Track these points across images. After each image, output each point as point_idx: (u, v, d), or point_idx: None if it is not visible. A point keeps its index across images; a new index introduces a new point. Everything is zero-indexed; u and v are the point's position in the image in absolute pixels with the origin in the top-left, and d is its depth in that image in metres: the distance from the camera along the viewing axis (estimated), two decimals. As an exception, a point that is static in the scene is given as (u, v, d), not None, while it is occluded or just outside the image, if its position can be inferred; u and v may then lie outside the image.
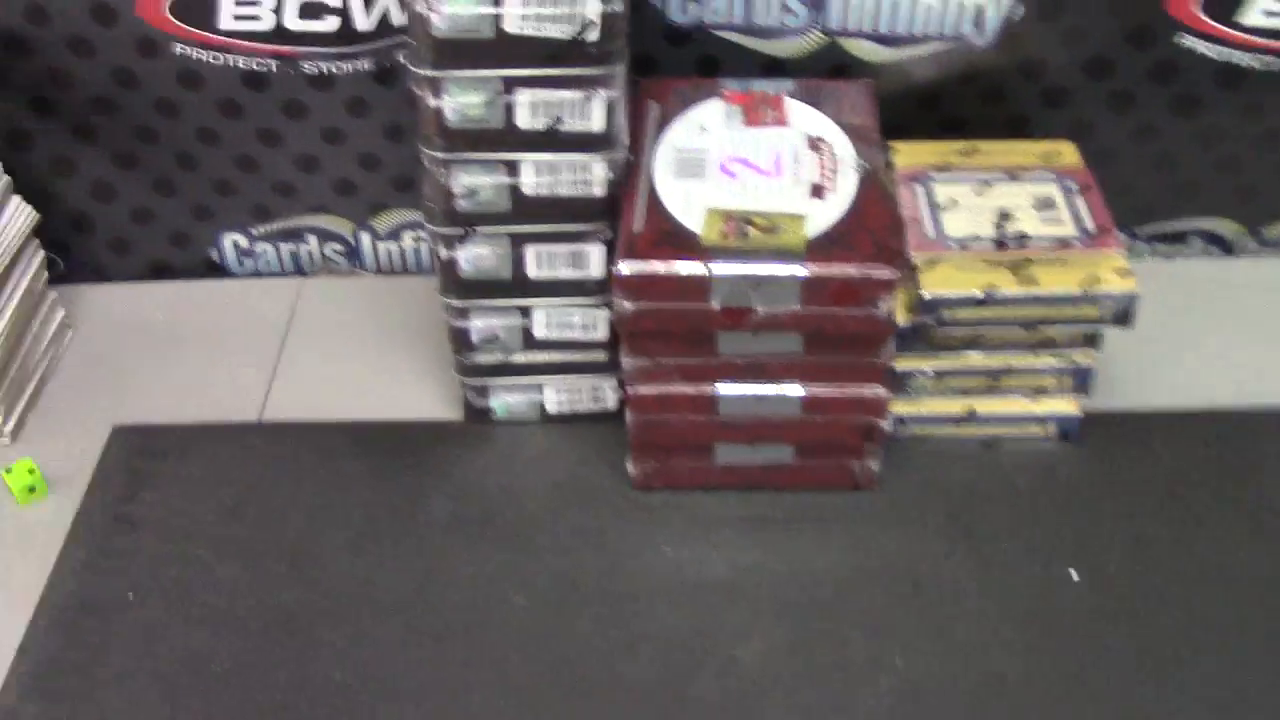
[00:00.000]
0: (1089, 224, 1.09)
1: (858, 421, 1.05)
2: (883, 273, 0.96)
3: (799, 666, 0.97)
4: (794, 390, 1.03)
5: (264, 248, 1.35)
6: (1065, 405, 1.11)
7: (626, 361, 1.02)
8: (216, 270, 1.37)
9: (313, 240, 1.35)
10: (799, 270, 0.96)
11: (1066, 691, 0.95)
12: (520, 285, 1.08)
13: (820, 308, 0.97)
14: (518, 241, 1.06)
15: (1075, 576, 1.03)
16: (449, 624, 1.01)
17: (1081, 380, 1.10)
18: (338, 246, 1.36)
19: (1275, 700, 0.94)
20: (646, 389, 1.04)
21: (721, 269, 0.96)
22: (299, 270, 1.37)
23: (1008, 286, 1.04)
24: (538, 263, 1.07)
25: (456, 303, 1.10)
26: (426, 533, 1.08)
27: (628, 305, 0.98)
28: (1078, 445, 1.13)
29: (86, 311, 1.31)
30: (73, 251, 1.33)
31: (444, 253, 1.07)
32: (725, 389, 1.03)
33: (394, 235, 1.35)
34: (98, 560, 1.06)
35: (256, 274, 1.37)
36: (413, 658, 0.99)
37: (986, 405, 1.11)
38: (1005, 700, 0.95)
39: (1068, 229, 1.09)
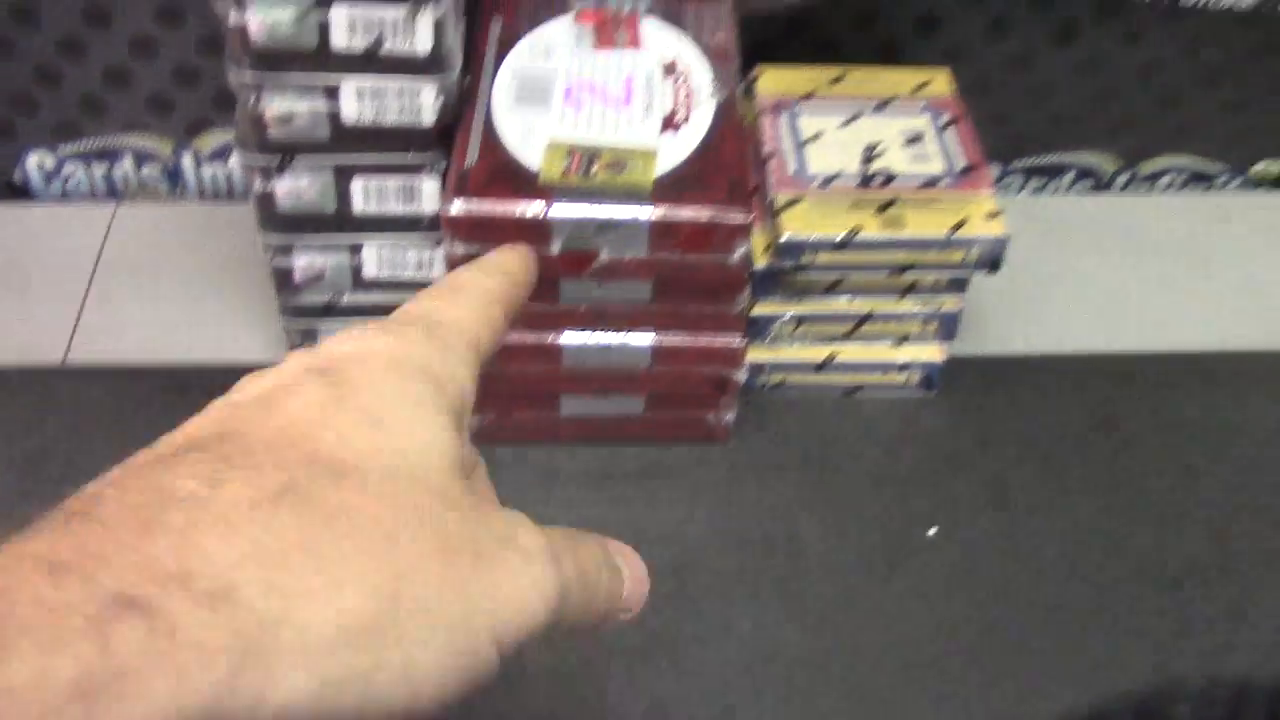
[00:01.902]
0: (959, 161, 1.03)
1: (710, 372, 0.98)
2: (736, 217, 0.88)
3: (644, 635, 0.92)
4: (643, 339, 0.96)
5: (73, 168, 1.23)
6: (929, 352, 1.06)
7: (460, 308, 0.94)
8: (20, 193, 1.24)
9: (128, 161, 1.23)
10: (646, 213, 0.88)
11: (918, 658, 0.91)
12: (347, 220, 0.99)
13: (669, 254, 0.89)
14: (342, 173, 0.96)
15: (933, 533, 0.99)
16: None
17: (947, 326, 1.05)
18: (156, 169, 1.24)
19: (1136, 663, 0.91)
20: (483, 337, 0.95)
21: (562, 210, 0.88)
22: (113, 195, 1.25)
23: (872, 229, 0.97)
24: (365, 197, 0.97)
25: (276, 239, 1.00)
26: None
27: (460, 249, 0.89)
28: (940, 393, 1.08)
29: None
30: None
31: (259, 185, 0.96)
32: (570, 338, 0.95)
33: (219, 156, 1.23)
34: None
35: (65, 197, 1.25)
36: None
37: (848, 352, 1.06)
38: (856, 662, 0.90)
39: (936, 166, 1.03)
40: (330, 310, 1.05)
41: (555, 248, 0.89)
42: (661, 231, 0.88)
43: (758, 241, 1.01)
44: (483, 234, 0.89)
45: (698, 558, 0.96)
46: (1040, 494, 1.02)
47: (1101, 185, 1.30)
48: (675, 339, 0.96)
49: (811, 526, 0.99)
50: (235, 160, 1.23)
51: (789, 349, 1.05)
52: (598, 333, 0.95)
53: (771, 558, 0.97)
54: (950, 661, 0.91)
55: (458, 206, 0.88)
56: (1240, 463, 1.05)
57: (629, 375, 0.98)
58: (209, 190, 1.25)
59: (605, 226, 0.88)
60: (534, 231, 0.88)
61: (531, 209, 0.88)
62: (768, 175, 1.02)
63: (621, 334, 0.95)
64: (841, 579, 0.96)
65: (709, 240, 0.89)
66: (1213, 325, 1.16)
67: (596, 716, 0.87)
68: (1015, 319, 1.15)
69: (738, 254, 0.90)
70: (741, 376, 0.99)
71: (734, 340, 0.96)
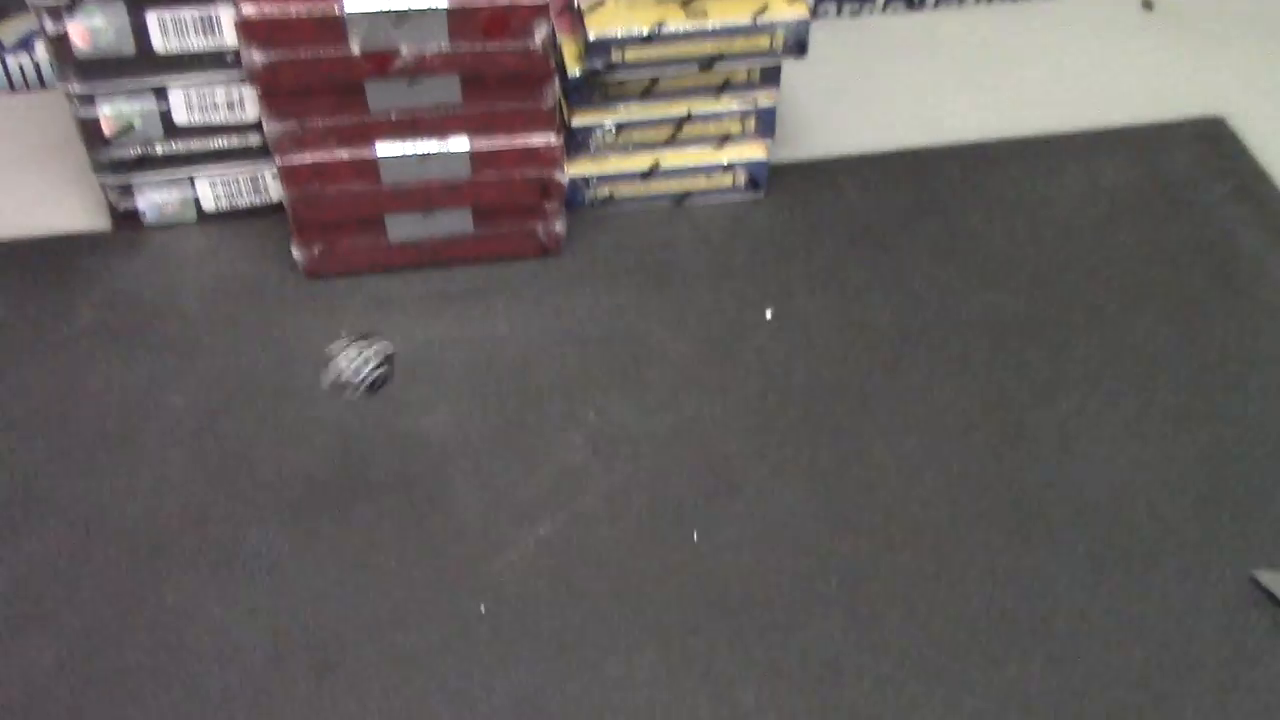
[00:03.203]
0: (760, -41, 1.04)
1: (532, 175, 0.98)
2: (532, -2, 0.89)
3: (488, 433, 0.92)
4: (460, 145, 0.96)
5: None
6: (752, 150, 1.08)
7: (270, 126, 0.93)
8: None
9: (-72, 57, 1.19)
10: (442, 1, 0.88)
11: (760, 424, 0.93)
12: (149, 61, 0.97)
13: (471, 43, 0.90)
14: (135, 8, 0.94)
15: (770, 315, 1.00)
16: (100, 433, 0.91)
17: (766, 122, 1.06)
18: (-41, 63, 1.20)
19: (976, 404, 0.94)
20: (298, 158, 0.95)
21: (357, 5, 0.87)
22: (-82, 94, 1.21)
23: (677, 21, 0.98)
24: (164, 33, 0.96)
25: (78, 87, 0.98)
26: (72, 345, 0.97)
27: (258, 56, 0.88)
28: (769, 195, 1.10)
29: None
30: None
31: (51, 27, 0.94)
32: (385, 149, 0.95)
33: (24, 46, 1.20)
34: None
35: None
36: (59, 470, 0.89)
37: (671, 157, 1.07)
38: (698, 437, 0.92)
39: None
40: (145, 163, 1.03)
41: (355, 47, 0.89)
42: (460, 19, 0.88)
43: (569, 50, 1.01)
44: (279, 37, 0.88)
45: (538, 359, 0.97)
46: (872, 273, 1.04)
47: (913, 4, 1.33)
48: (492, 141, 0.96)
49: (650, 322, 1.00)
50: (41, 45, 1.20)
51: (613, 160, 1.06)
52: (412, 141, 0.95)
53: (612, 352, 0.97)
54: (794, 423, 0.93)
55: (251, 10, 0.87)
56: (1055, 228, 1.08)
57: (451, 187, 0.98)
58: (16, 81, 1.22)
59: (403, 18, 0.88)
60: (330, 30, 0.88)
61: (327, 7, 0.87)
62: (571, -17, 1.02)
63: (437, 140, 0.95)
64: (682, 364, 0.97)
65: (507, 24, 0.89)
66: (1021, 114, 1.19)
67: (444, 513, 0.87)
68: (836, 123, 1.17)
69: (538, 38, 0.90)
70: (563, 178, 1.00)
71: (550, 138, 0.97)
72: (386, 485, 0.88)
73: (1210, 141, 1.17)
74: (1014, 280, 1.03)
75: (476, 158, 0.96)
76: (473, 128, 0.95)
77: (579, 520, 0.87)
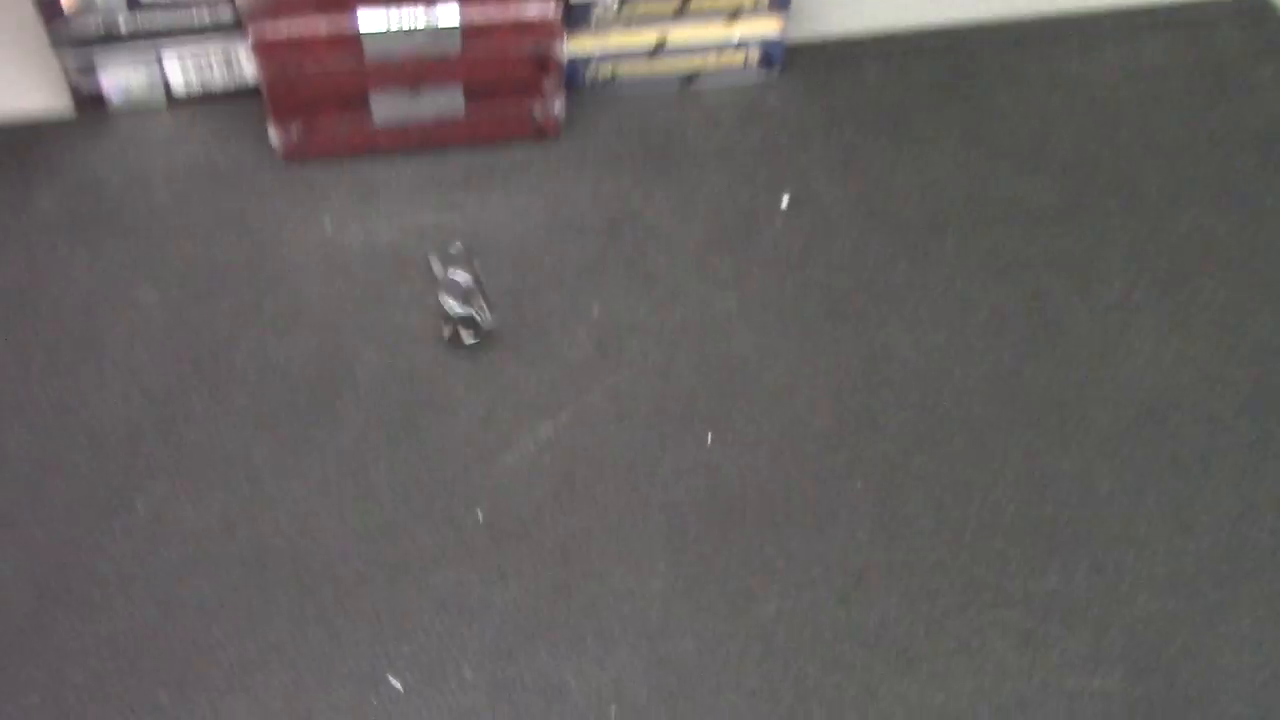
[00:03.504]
0: None
1: (529, 50, 0.90)
2: None
3: (484, 327, 0.85)
4: (449, 15, 0.87)
5: None
6: (766, 26, 0.99)
7: (240, -7, 0.85)
8: None
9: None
10: None
11: (777, 318, 0.86)
12: (107, -77, 0.89)
13: (460, -102, 0.81)
14: None
15: (785, 204, 0.93)
16: (65, 330, 0.84)
17: (781, -5, 0.98)
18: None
19: (1003, 295, 0.87)
20: (272, 29, 0.86)
21: None
22: None
23: (686, -120, 0.90)
24: (123, -110, 0.87)
25: (31, -47, 0.89)
26: (33, 233, 0.90)
27: (225, -88, 0.80)
28: (784, 75, 1.02)
29: None
30: None
31: (-2, -117, 0.86)
32: (368, 21, 0.87)
33: (-23, -84, 1.11)
34: None
35: None
36: (21, 370, 0.82)
37: (679, 33, 0.98)
38: (710, 331, 0.85)
39: None
40: (109, 40, 0.95)
41: (333, -99, 0.81)
42: None
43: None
44: (249, -110, 0.79)
45: (537, 249, 0.90)
46: (896, 158, 0.97)
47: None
48: (484, 11, 0.88)
49: (657, 210, 0.93)
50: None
51: (616, 35, 0.98)
52: (398, 9, 0.87)
53: (616, 242, 0.90)
54: (813, 317, 0.86)
55: None
56: (1092, 111, 1.00)
57: (441, 62, 0.90)
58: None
59: None
60: (306, -119, 0.79)
61: None
62: None
63: (424, 9, 0.87)
64: (692, 255, 0.90)
65: (502, -124, 0.81)
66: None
67: (438, 413, 0.81)
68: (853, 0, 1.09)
69: (536, -107, 0.82)
70: (562, 54, 0.92)
71: (548, 9, 0.89)
72: (375, 384, 0.82)
73: (1255, 21, 1.09)
74: (1048, 166, 0.96)
75: (468, 30, 0.88)
76: (463, -4, 0.87)
77: (584, 420, 0.81)
